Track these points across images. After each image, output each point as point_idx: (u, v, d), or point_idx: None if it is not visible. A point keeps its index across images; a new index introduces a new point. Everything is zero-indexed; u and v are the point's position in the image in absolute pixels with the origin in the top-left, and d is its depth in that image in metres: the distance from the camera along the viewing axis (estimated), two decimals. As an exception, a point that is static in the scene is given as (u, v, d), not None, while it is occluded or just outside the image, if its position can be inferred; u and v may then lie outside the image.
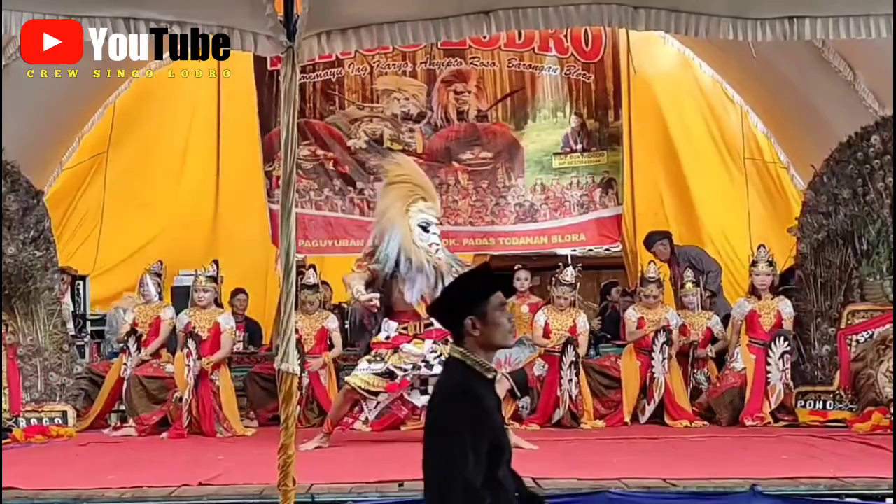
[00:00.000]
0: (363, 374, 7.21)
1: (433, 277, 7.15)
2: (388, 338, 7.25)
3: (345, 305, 10.37)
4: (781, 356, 8.36)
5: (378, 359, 7.23)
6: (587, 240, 11.01)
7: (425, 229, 7.27)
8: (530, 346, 8.97)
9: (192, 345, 8.09)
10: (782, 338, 8.40)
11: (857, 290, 8.55)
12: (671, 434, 8.01)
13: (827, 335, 8.57)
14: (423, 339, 7.21)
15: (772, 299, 8.71)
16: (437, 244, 7.30)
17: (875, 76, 8.64)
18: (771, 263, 8.81)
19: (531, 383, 8.55)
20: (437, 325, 7.24)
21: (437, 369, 7.12)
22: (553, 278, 8.97)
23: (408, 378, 7.21)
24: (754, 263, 8.81)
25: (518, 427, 7.80)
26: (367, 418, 7.60)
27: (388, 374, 7.18)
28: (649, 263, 9.45)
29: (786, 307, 8.68)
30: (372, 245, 7.43)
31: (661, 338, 8.50)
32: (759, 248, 9.01)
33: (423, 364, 7.18)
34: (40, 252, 8.61)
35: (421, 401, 7.25)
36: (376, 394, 7.22)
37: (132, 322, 8.78)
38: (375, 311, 7.30)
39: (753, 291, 8.79)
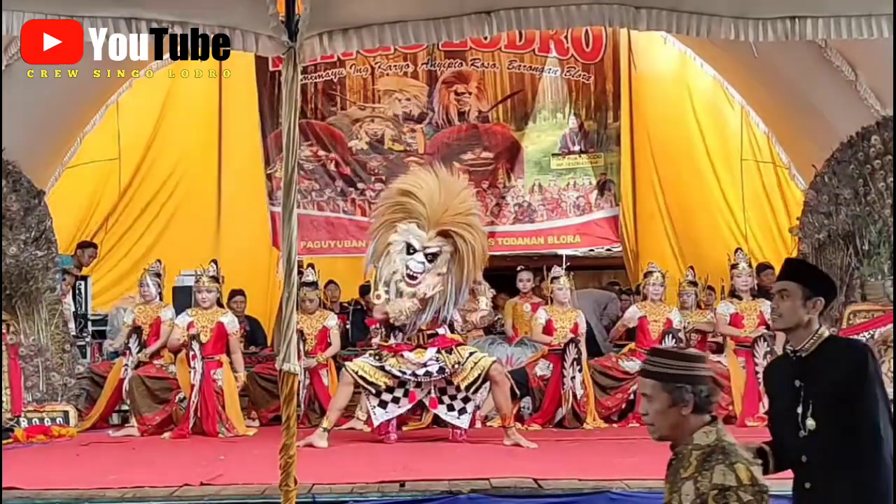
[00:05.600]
0: (360, 360, 7.50)
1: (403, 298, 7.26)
2: (394, 343, 7.41)
3: (346, 304, 10.43)
4: (764, 356, 8.39)
5: (377, 357, 7.43)
6: (582, 241, 11.04)
7: (409, 252, 7.31)
8: (532, 345, 8.98)
9: (196, 346, 8.09)
10: (762, 339, 8.43)
11: (858, 290, 8.55)
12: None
13: (828, 335, 8.56)
14: (426, 349, 7.30)
15: (752, 300, 8.76)
16: (415, 271, 7.24)
17: (876, 76, 8.63)
18: (750, 265, 8.87)
19: (532, 383, 8.56)
20: (440, 332, 7.36)
21: (436, 376, 7.26)
22: (550, 278, 8.97)
23: (412, 390, 7.37)
24: (734, 266, 8.85)
25: (520, 427, 7.80)
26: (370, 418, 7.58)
27: (382, 369, 7.31)
28: (649, 264, 9.47)
29: (767, 308, 8.72)
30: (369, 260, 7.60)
31: (668, 342, 8.50)
32: (736, 251, 9.07)
33: (422, 371, 7.27)
34: (42, 252, 8.61)
35: (443, 412, 7.39)
36: (371, 384, 7.27)
37: (132, 322, 8.78)
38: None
39: (734, 294, 8.83)
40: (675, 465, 2.74)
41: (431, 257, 7.29)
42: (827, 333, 3.40)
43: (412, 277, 7.24)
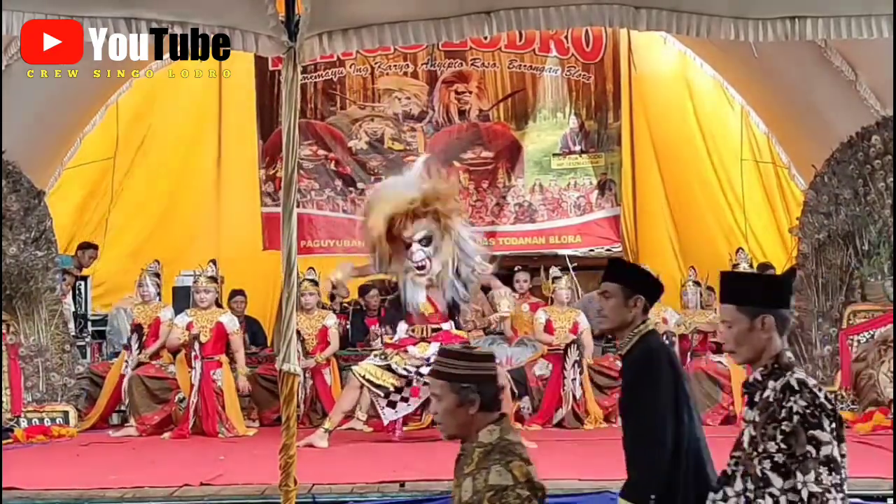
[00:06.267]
0: (366, 363, 7.53)
1: (420, 287, 7.36)
2: (398, 339, 7.46)
3: (346, 304, 10.42)
4: None
5: (383, 356, 7.48)
6: (583, 241, 11.03)
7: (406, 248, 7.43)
8: (532, 345, 8.97)
9: (197, 346, 8.10)
10: None
11: (858, 290, 8.55)
12: (672, 434, 7.99)
13: (828, 335, 8.57)
14: (429, 343, 7.34)
15: None
16: (418, 261, 7.37)
17: (876, 76, 8.64)
18: (751, 265, 8.90)
19: (532, 383, 8.57)
20: (445, 328, 7.41)
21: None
22: (551, 278, 8.98)
23: (416, 385, 7.34)
24: (735, 266, 8.88)
25: (520, 427, 7.79)
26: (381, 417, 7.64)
27: (388, 369, 7.34)
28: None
29: None
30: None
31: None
32: (738, 251, 9.09)
33: (425, 370, 7.28)
34: (41, 252, 8.61)
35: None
36: (379, 387, 7.31)
37: (132, 323, 8.79)
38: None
39: None
40: (461, 460, 2.80)
41: (426, 242, 7.40)
42: (647, 330, 3.45)
43: (421, 268, 7.36)
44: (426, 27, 4.61)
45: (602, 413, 8.58)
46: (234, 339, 8.47)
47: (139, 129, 11.16)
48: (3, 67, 8.05)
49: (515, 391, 8.40)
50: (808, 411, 2.65)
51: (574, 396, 8.25)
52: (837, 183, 8.72)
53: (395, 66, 10.95)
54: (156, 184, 11.31)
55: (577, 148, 10.96)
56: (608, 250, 11.58)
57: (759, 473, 2.68)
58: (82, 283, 10.11)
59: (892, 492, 5.09)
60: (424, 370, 7.33)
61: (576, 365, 8.29)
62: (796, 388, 2.69)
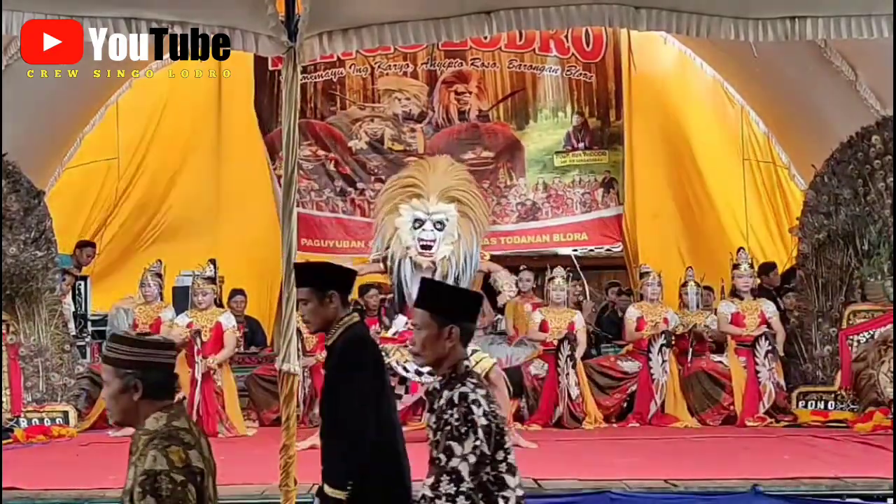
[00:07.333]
0: None
1: (424, 273, 7.35)
2: (395, 333, 7.36)
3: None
4: (766, 356, 8.39)
5: (384, 354, 7.36)
6: (589, 239, 11.01)
7: (416, 226, 7.40)
8: (532, 346, 8.97)
9: (199, 344, 8.10)
10: (763, 338, 8.43)
11: (858, 290, 8.55)
12: (672, 434, 8.00)
13: (828, 335, 8.57)
14: None
15: (754, 300, 8.77)
16: (427, 240, 7.35)
17: (876, 76, 8.64)
18: (752, 266, 8.90)
19: (527, 383, 8.54)
20: None
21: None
22: (547, 279, 8.98)
23: (416, 381, 7.32)
24: (736, 266, 8.87)
25: (519, 427, 7.79)
26: None
27: (388, 369, 7.26)
28: (642, 265, 9.49)
29: (768, 307, 8.75)
30: (378, 248, 7.68)
31: (660, 340, 8.50)
32: (738, 250, 9.09)
33: (426, 368, 7.24)
34: (41, 252, 8.60)
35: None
36: None
37: (132, 324, 8.77)
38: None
39: (735, 293, 8.84)
40: (131, 449, 2.75)
41: (440, 226, 7.36)
42: (351, 322, 3.54)
43: (426, 247, 7.32)
44: (426, 27, 4.62)
45: (601, 413, 8.59)
46: (227, 335, 8.45)
47: (139, 129, 11.16)
48: (3, 67, 8.05)
49: (511, 389, 8.40)
50: (456, 424, 2.83)
51: (570, 394, 8.23)
52: (837, 183, 8.72)
53: (395, 66, 10.95)
54: (156, 184, 11.31)
55: (580, 145, 10.96)
56: (608, 250, 11.59)
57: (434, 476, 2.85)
58: (82, 283, 10.10)
59: (892, 492, 5.09)
60: (424, 369, 7.31)
61: (568, 360, 8.28)
62: (456, 401, 2.87)
